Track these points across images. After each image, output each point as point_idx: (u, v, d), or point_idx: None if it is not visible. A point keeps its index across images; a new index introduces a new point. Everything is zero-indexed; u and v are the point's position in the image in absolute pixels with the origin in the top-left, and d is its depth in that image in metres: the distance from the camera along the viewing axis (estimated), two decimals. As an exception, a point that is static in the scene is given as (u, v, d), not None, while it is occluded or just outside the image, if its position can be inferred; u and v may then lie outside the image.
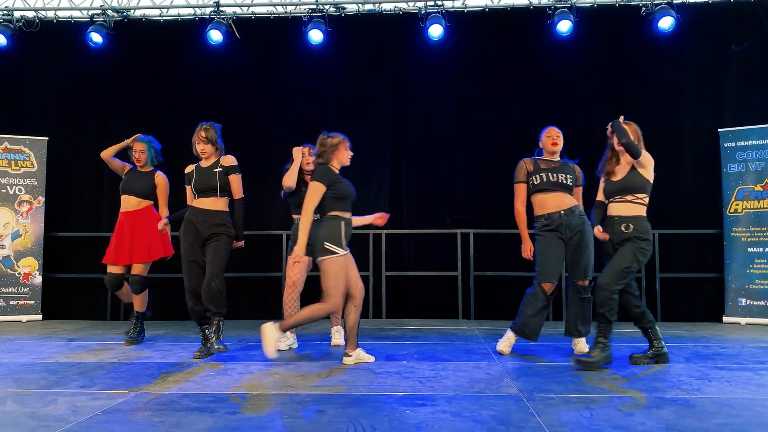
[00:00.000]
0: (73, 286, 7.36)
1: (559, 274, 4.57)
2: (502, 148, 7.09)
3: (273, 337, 3.93)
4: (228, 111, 7.40)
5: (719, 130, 6.75)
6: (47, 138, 7.19)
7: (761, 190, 6.51)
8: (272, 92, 7.43)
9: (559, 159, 4.71)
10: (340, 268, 4.08)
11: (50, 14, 7.52)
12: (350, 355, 4.21)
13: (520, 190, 4.71)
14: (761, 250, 6.45)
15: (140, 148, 5.26)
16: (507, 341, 4.61)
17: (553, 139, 4.69)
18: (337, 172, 4.24)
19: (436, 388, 3.49)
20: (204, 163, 4.69)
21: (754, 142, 6.58)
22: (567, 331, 4.66)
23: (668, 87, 7.08)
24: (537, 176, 4.61)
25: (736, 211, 6.60)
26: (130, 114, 7.50)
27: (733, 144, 6.68)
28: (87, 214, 7.48)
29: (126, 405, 3.14)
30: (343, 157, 4.28)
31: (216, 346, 4.62)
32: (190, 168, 4.73)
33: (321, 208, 4.17)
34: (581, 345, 4.59)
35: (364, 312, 6.90)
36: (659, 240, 6.71)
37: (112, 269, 5.16)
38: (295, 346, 4.93)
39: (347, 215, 4.22)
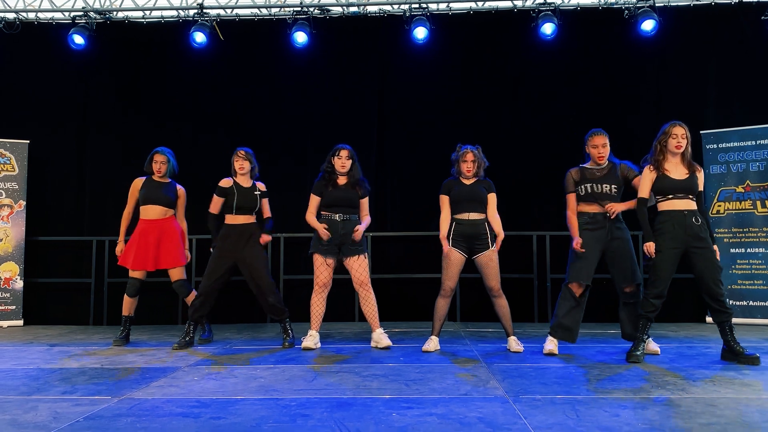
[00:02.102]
0: (54, 290, 7.28)
1: (590, 276, 4.56)
2: (488, 150, 7.07)
3: (434, 346, 4.90)
4: (212, 112, 7.38)
5: (701, 132, 6.81)
6: (28, 141, 7.11)
7: (743, 191, 6.59)
8: (257, 93, 7.40)
9: (605, 164, 4.68)
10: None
11: (31, 16, 7.43)
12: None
13: (571, 200, 4.72)
14: (743, 250, 6.52)
15: (161, 159, 5.42)
16: (551, 342, 4.67)
17: (599, 150, 4.64)
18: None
19: (422, 391, 3.48)
20: (243, 183, 5.13)
21: (735, 144, 6.65)
22: (623, 335, 4.66)
23: (651, 88, 7.15)
24: (582, 187, 4.63)
25: (718, 212, 6.67)
26: (112, 116, 7.45)
27: (715, 146, 6.75)
28: (69, 218, 7.40)
29: (108, 411, 3.10)
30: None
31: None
32: (228, 183, 5.11)
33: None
34: (651, 345, 4.59)
35: (349, 314, 6.94)
36: (641, 241, 6.75)
37: (135, 274, 5.33)
38: (319, 345, 5.11)
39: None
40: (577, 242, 4.58)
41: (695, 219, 4.29)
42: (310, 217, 5.07)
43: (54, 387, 3.67)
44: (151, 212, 5.36)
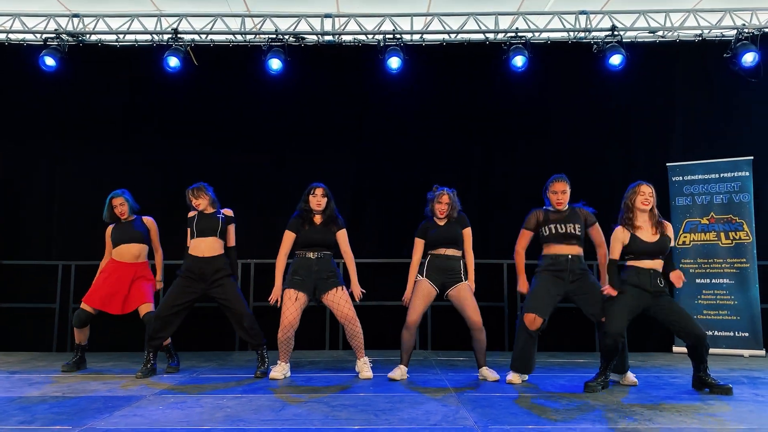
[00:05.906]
0: (17, 315, 7.07)
1: (547, 311, 4.56)
2: (462, 179, 7.17)
3: (401, 374, 4.89)
4: (184, 138, 7.32)
5: (667, 164, 6.97)
6: (-6, 163, 6.99)
7: (707, 223, 6.73)
8: (231, 119, 7.38)
9: (565, 209, 4.73)
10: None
11: (2, 36, 7.35)
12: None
13: (524, 235, 4.84)
14: (708, 281, 6.64)
15: (119, 201, 5.40)
16: (511, 373, 4.72)
17: (557, 197, 4.69)
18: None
19: (392, 421, 3.45)
20: (207, 211, 5.15)
21: (700, 177, 6.81)
22: (613, 369, 4.64)
23: (619, 121, 7.30)
24: (547, 228, 4.69)
25: (684, 243, 6.80)
26: (83, 139, 7.34)
27: (681, 178, 6.90)
28: (35, 242, 7.22)
29: (69, 442, 3.01)
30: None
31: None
32: (192, 213, 5.17)
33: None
34: (630, 378, 4.65)
35: (319, 343, 6.87)
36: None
37: (86, 307, 5.22)
38: (288, 375, 5.02)
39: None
40: (522, 286, 4.80)
41: (659, 280, 4.45)
42: (279, 263, 5.00)
43: (12, 416, 3.56)
44: (126, 254, 5.33)
